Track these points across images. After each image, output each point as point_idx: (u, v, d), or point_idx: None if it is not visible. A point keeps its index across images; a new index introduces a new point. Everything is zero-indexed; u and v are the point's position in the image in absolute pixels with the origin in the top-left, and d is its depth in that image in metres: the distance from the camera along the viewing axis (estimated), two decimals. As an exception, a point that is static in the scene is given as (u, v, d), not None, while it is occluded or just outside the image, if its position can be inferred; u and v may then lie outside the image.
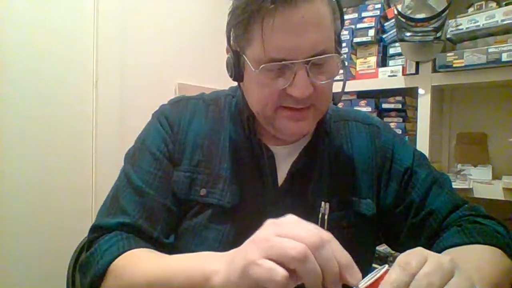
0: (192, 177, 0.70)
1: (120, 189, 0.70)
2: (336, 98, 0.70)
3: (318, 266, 0.40)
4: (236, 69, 0.65)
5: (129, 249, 0.62)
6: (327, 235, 0.42)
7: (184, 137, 0.73)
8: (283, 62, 0.58)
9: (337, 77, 0.66)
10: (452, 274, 0.40)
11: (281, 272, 0.40)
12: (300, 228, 0.42)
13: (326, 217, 0.65)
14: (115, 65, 1.47)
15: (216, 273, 0.47)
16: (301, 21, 0.56)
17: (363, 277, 0.43)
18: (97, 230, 0.67)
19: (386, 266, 0.41)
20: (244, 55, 0.63)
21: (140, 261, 0.59)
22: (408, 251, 0.42)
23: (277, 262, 0.40)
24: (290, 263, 0.40)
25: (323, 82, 0.61)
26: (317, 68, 0.60)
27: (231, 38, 0.65)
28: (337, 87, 0.70)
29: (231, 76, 0.68)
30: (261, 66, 0.59)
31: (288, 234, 0.41)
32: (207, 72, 1.80)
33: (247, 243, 0.45)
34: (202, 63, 1.79)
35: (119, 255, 0.61)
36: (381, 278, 0.39)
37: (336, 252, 0.41)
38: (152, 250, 0.64)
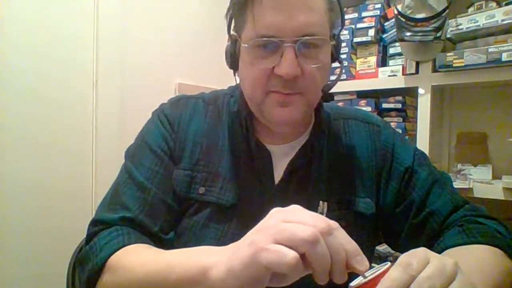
0: (191, 175, 0.70)
1: (121, 185, 0.70)
2: (327, 87, 0.69)
3: (327, 250, 0.40)
4: (233, 57, 0.67)
5: (129, 244, 0.62)
6: (334, 223, 0.42)
7: (184, 136, 0.73)
8: (271, 39, 0.59)
9: (334, 78, 0.66)
10: (454, 277, 0.39)
11: (291, 253, 0.39)
12: (307, 215, 0.42)
13: (324, 216, 0.65)
14: (115, 65, 1.47)
15: (214, 266, 0.46)
16: (292, 0, 0.58)
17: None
18: (97, 224, 0.67)
19: (389, 263, 0.41)
20: (239, 39, 0.64)
21: (138, 255, 0.59)
22: (411, 251, 0.41)
23: (287, 246, 0.40)
24: (300, 246, 0.39)
25: (313, 66, 0.61)
26: (307, 52, 0.61)
27: (231, 25, 0.67)
28: (335, 87, 0.70)
29: (227, 64, 0.69)
30: (250, 41, 0.60)
31: (296, 220, 0.41)
32: (207, 72, 1.80)
33: (252, 232, 0.45)
34: (202, 63, 1.79)
35: (118, 249, 0.61)
36: (382, 274, 0.39)
37: (343, 240, 0.41)
38: (151, 246, 0.63)
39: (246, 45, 0.61)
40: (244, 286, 0.43)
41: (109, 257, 0.60)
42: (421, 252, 0.41)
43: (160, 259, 0.56)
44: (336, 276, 0.41)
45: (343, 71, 1.58)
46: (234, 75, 0.72)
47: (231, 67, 0.69)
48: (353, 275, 0.43)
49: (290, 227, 0.41)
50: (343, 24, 0.68)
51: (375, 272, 0.41)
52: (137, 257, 0.59)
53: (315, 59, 0.62)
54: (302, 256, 0.40)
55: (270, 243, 0.41)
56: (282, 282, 0.43)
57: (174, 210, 0.70)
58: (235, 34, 0.66)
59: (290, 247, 0.40)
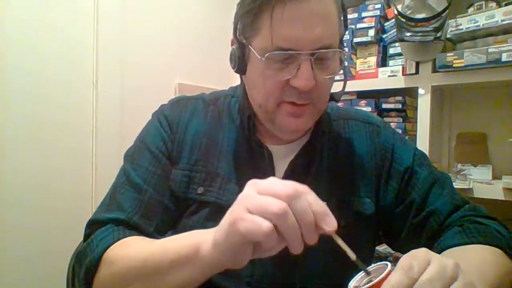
0: (190, 175, 0.71)
1: (119, 186, 0.71)
2: (336, 96, 0.71)
3: (296, 221, 0.42)
4: (241, 61, 0.66)
5: (124, 237, 0.63)
6: (302, 187, 0.44)
7: (183, 136, 0.73)
8: (289, 52, 0.59)
9: (337, 77, 0.66)
10: (455, 278, 0.39)
11: (266, 222, 0.42)
12: (277, 183, 0.45)
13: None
14: (115, 65, 1.47)
15: (204, 241, 0.49)
16: (310, 13, 0.58)
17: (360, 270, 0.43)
18: (94, 225, 0.68)
19: (389, 265, 0.41)
20: (250, 46, 0.63)
21: (133, 245, 0.60)
22: (411, 253, 0.41)
23: (259, 216, 0.42)
24: (271, 219, 0.42)
25: (326, 77, 0.62)
26: (320, 64, 0.61)
27: (238, 30, 0.66)
28: (336, 87, 0.70)
29: (233, 68, 0.68)
30: (267, 55, 0.59)
31: (267, 190, 0.44)
32: (207, 72, 1.80)
33: (232, 205, 0.47)
34: (202, 63, 1.79)
35: (113, 242, 0.62)
36: (384, 279, 0.39)
37: (311, 201, 0.43)
38: (145, 237, 0.64)
39: (262, 58, 0.60)
40: (230, 258, 0.46)
41: (105, 250, 0.61)
42: (422, 253, 0.41)
43: (154, 245, 0.58)
44: (305, 237, 0.43)
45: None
46: (241, 79, 0.72)
47: (237, 72, 0.68)
48: (351, 274, 0.43)
49: (261, 200, 0.43)
50: (346, 28, 0.68)
51: (375, 270, 0.41)
52: (132, 247, 0.60)
53: (328, 70, 0.62)
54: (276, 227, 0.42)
55: (245, 212, 0.43)
56: (265, 253, 0.45)
57: (171, 210, 0.70)
58: (244, 39, 0.65)
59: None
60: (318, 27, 0.58)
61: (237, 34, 0.66)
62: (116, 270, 0.58)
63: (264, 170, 0.70)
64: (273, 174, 0.71)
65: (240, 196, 0.46)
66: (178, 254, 0.52)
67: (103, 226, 0.66)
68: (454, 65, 1.27)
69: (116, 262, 0.59)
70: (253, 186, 0.46)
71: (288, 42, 0.58)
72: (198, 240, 0.50)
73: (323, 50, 0.59)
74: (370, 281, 0.41)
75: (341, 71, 0.76)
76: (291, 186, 0.43)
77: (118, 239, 0.62)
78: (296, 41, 0.58)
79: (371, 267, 0.43)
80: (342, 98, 1.60)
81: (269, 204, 0.42)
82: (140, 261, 0.56)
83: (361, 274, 0.43)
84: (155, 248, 0.56)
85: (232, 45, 0.68)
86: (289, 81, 0.61)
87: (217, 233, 0.47)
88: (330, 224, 0.43)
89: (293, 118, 0.64)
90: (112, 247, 0.61)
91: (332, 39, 0.61)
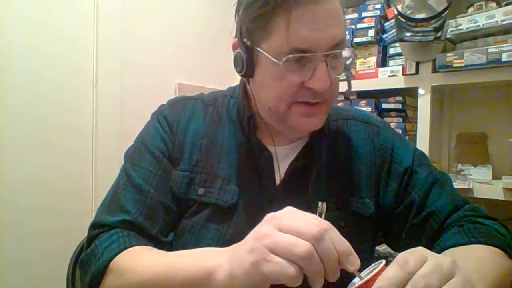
0: (190, 176, 0.71)
1: (120, 187, 0.71)
2: (346, 93, 0.72)
3: (320, 262, 0.41)
4: (249, 64, 0.65)
5: (130, 246, 0.62)
6: (325, 224, 0.43)
7: (182, 137, 0.73)
8: (306, 54, 0.59)
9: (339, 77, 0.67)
10: (452, 275, 0.40)
11: (293, 267, 0.41)
12: (300, 220, 0.44)
13: (323, 216, 0.66)
14: (115, 65, 1.47)
15: (219, 268, 0.48)
16: (326, 14, 0.58)
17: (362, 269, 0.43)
18: (97, 227, 0.67)
19: (384, 261, 0.41)
20: (259, 49, 0.62)
21: (141, 258, 0.60)
22: (408, 250, 0.42)
23: (284, 258, 0.42)
24: (296, 261, 0.41)
25: (338, 76, 0.63)
26: (332, 63, 0.61)
27: (243, 33, 0.64)
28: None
29: (240, 72, 0.67)
30: (285, 58, 0.59)
31: (289, 227, 0.43)
32: (207, 72, 1.80)
33: (249, 238, 0.46)
34: (202, 63, 1.79)
35: (119, 252, 0.61)
36: (379, 273, 0.40)
37: (335, 240, 0.43)
38: (153, 247, 0.64)
39: (280, 62, 0.59)
40: None
41: (111, 259, 0.61)
42: (419, 250, 0.42)
43: (164, 261, 0.56)
44: (329, 275, 0.43)
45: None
46: (242, 81, 0.71)
47: (245, 75, 0.67)
48: (350, 275, 0.43)
49: (285, 241, 0.42)
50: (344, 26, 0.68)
51: (371, 271, 0.41)
52: (140, 259, 0.59)
53: (338, 69, 0.63)
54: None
55: (269, 253, 0.42)
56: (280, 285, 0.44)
57: (173, 211, 0.70)
58: (252, 42, 0.63)
59: (287, 259, 0.42)
60: (333, 28, 0.59)
61: (242, 37, 0.65)
62: (124, 282, 0.58)
63: (264, 171, 0.70)
64: (273, 175, 0.71)
65: (259, 232, 0.45)
66: (188, 276, 0.51)
67: (107, 229, 0.66)
68: (454, 65, 1.27)
69: (123, 274, 0.59)
70: (272, 223, 0.45)
71: (305, 43, 0.58)
72: (211, 265, 0.49)
73: (338, 50, 0.60)
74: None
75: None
76: (315, 224, 0.43)
77: (125, 248, 0.62)
78: (313, 42, 0.58)
79: (368, 269, 0.43)
80: (342, 98, 1.62)
81: (295, 246, 0.41)
82: (148, 277, 0.55)
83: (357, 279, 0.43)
84: (164, 265, 0.55)
85: (234, 48, 0.67)
86: (304, 83, 0.60)
87: (235, 266, 0.46)
88: (354, 263, 0.42)
89: (306, 118, 0.64)
90: (118, 256, 0.61)
91: (343, 39, 0.61)
